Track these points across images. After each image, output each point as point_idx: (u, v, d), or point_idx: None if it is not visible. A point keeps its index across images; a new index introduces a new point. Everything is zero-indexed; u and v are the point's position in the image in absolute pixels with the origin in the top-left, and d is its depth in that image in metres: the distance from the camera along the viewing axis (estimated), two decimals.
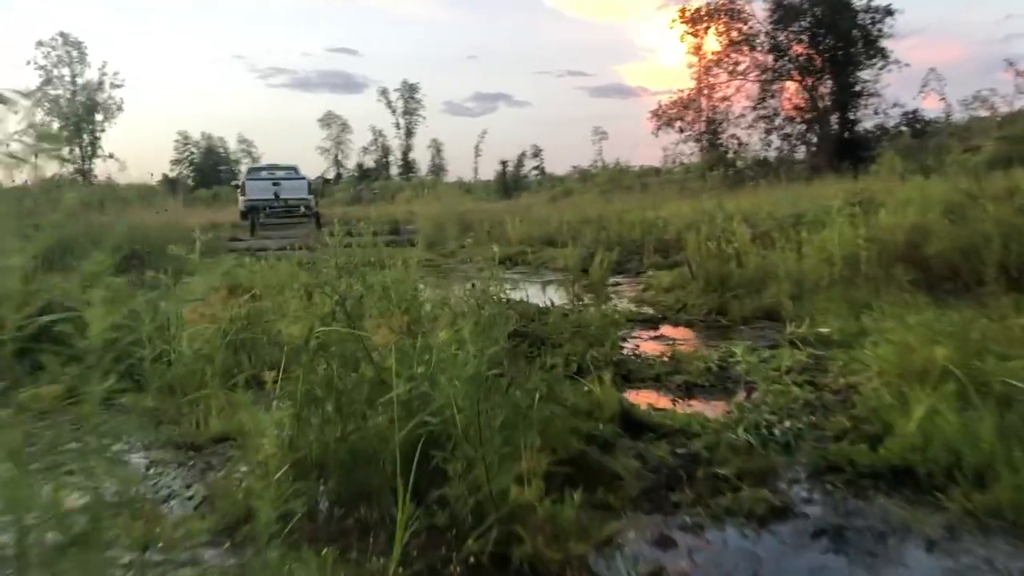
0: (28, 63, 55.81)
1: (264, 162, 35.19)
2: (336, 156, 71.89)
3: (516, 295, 6.29)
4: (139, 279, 5.86)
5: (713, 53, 34.99)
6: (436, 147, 70.67)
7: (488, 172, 54.73)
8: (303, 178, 24.69)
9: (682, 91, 36.51)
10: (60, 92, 56.45)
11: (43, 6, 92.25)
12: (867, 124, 31.77)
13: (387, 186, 51.79)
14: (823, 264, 6.92)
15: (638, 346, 5.41)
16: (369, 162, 69.63)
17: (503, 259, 12.89)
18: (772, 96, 33.56)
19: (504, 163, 47.11)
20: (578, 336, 4.98)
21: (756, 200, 14.44)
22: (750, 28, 33.54)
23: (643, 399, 4.07)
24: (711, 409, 3.91)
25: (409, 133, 70.19)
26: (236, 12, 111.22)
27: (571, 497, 2.28)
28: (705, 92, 36.01)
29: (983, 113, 34.50)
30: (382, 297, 4.20)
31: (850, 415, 3.45)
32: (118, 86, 57.45)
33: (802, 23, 31.86)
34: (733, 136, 34.97)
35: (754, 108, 33.78)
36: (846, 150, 28.68)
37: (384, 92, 69.67)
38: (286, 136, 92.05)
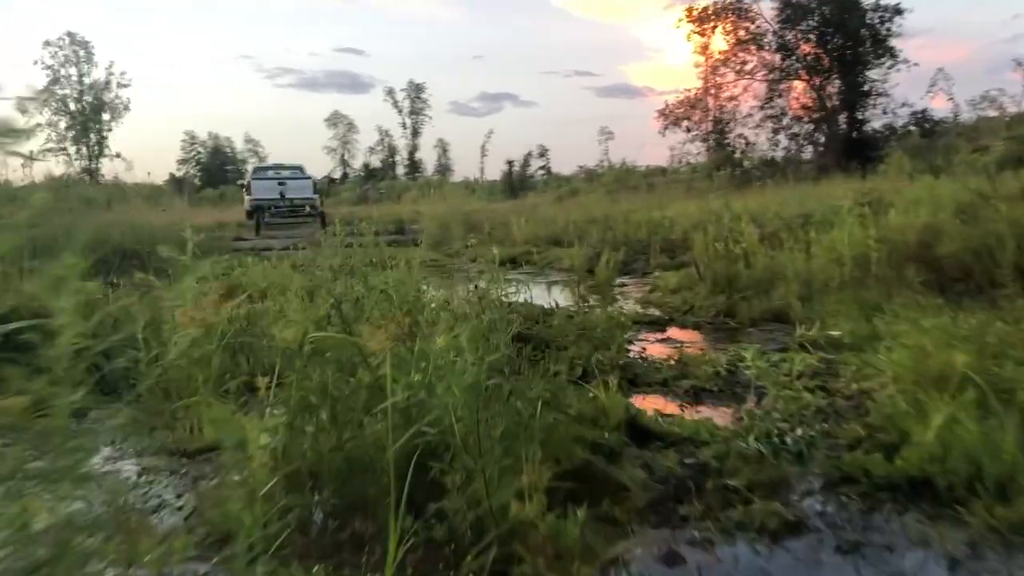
0: (35, 62, 55.87)
1: (270, 162, 35.18)
2: (342, 156, 71.91)
3: (521, 296, 6.19)
4: (129, 280, 5.80)
5: (720, 52, 34.90)
6: (442, 147, 70.70)
7: (494, 172, 54.59)
8: (308, 178, 24.66)
9: (689, 90, 36.43)
10: (67, 91, 56.48)
11: (46, 6, 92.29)
12: (875, 124, 31.63)
13: (393, 186, 51.75)
14: (833, 265, 6.80)
15: (645, 349, 5.30)
16: (375, 162, 69.63)
17: (509, 259, 12.79)
18: (780, 95, 33.46)
19: (510, 163, 47.04)
20: (583, 339, 4.87)
21: (763, 200, 14.33)
22: (757, 27, 33.44)
23: (650, 405, 3.95)
24: (720, 415, 3.80)
25: (415, 133, 70.20)
26: (243, 12, 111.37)
27: (575, 514, 2.16)
28: (712, 91, 35.91)
29: (991, 113, 34.35)
30: (384, 299, 4.12)
31: (864, 423, 3.33)
32: (125, 86, 57.56)
33: (810, 22, 31.73)
34: (740, 136, 34.90)
35: (761, 108, 33.70)
36: (854, 150, 28.52)
37: (390, 92, 69.71)
38: (293, 136, 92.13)
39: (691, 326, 6.44)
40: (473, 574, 2.12)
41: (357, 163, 70.87)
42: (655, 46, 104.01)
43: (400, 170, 68.92)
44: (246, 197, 24.29)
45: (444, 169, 68.98)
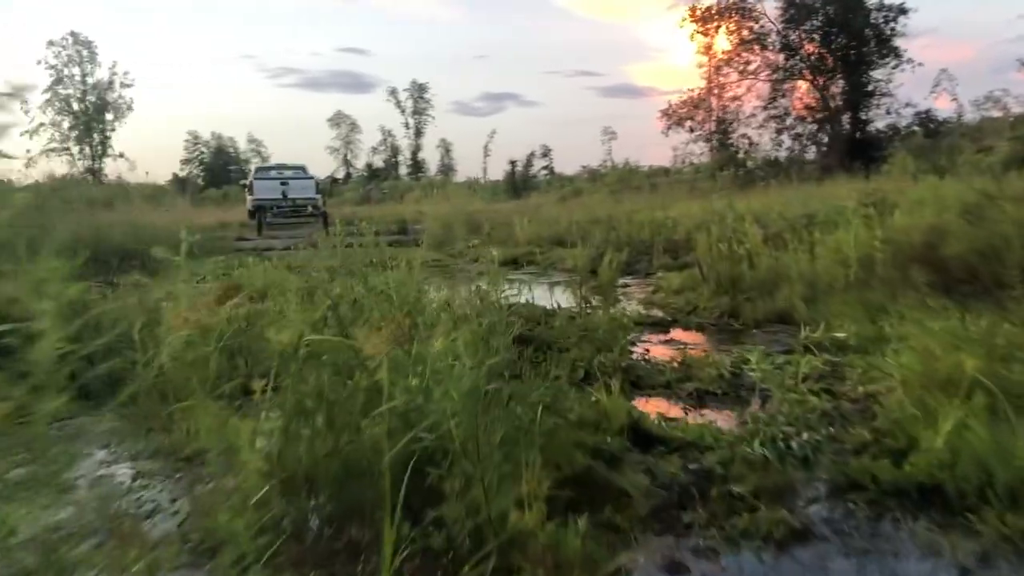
0: (39, 62, 55.83)
1: (273, 162, 35.15)
2: (345, 156, 71.78)
3: (523, 297, 6.13)
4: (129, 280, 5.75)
5: (723, 52, 34.77)
6: (445, 147, 70.55)
7: (497, 172, 54.49)
8: (311, 178, 24.60)
9: (692, 90, 36.32)
10: (70, 91, 56.46)
11: (47, 6, 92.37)
12: (879, 124, 31.52)
13: (396, 186, 51.71)
14: (837, 266, 6.74)
15: (648, 350, 5.24)
16: (378, 162, 69.50)
17: (511, 260, 12.76)
18: (783, 95, 33.35)
19: (513, 163, 46.95)
20: (586, 340, 4.82)
21: (767, 200, 14.24)
22: (761, 27, 33.32)
23: (653, 408, 3.90)
24: (724, 419, 3.74)
25: (418, 133, 70.07)
26: (245, 12, 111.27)
27: (575, 524, 2.11)
28: (715, 91, 35.80)
29: (995, 113, 34.24)
30: (384, 300, 4.07)
31: (871, 427, 3.28)
32: (128, 85, 57.45)
33: (814, 22, 31.62)
34: (743, 136, 34.78)
35: (765, 108, 33.59)
36: (858, 150, 28.43)
37: (393, 92, 69.56)
38: (296, 136, 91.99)
39: (694, 327, 6.38)
40: None
41: (360, 163, 70.83)
42: (658, 46, 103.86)
43: (403, 170, 68.86)
44: (248, 197, 24.23)
45: (447, 169, 68.91)
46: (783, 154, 33.12)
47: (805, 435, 3.17)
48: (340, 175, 67.11)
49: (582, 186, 36.80)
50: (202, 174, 65.21)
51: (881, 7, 30.58)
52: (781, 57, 32.99)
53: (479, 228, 16.38)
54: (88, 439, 3.72)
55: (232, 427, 2.98)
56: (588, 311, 5.56)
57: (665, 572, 2.26)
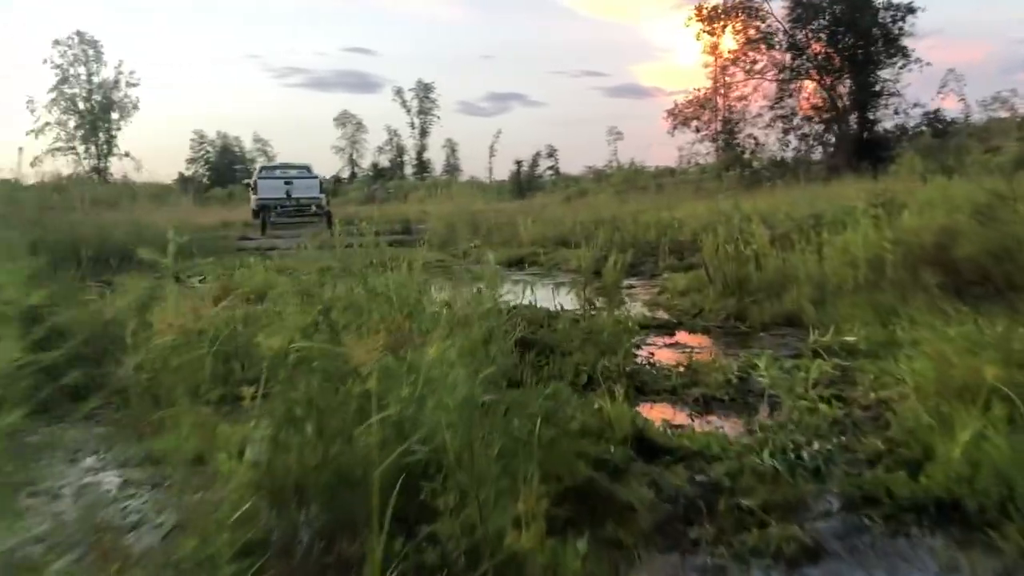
0: (44, 61, 55.87)
1: (279, 161, 35.11)
2: (351, 155, 71.75)
3: (525, 299, 6.03)
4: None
5: (730, 52, 34.66)
6: (451, 147, 70.49)
7: (503, 172, 54.50)
8: (315, 177, 24.52)
9: (698, 90, 36.20)
10: (76, 91, 56.50)
11: (48, 6, 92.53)
12: (887, 124, 31.34)
13: (401, 185, 51.65)
14: (846, 267, 6.61)
15: (653, 354, 5.13)
16: (384, 161, 69.47)
17: (516, 260, 12.66)
18: (790, 95, 33.23)
19: (518, 163, 46.92)
20: (589, 344, 4.70)
21: (773, 201, 14.13)
22: (768, 26, 33.20)
23: (658, 414, 3.79)
24: (731, 426, 3.63)
25: (424, 133, 70.01)
26: (251, 12, 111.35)
27: (575, 544, 2.00)
28: (721, 91, 35.69)
29: (1002, 114, 34.06)
30: (384, 301, 3.96)
31: (884, 436, 3.16)
32: (134, 85, 57.51)
33: (821, 21, 31.47)
34: (750, 136, 34.65)
35: (771, 107, 33.49)
36: (865, 150, 28.26)
37: (399, 92, 69.54)
38: (301, 135, 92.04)
39: (700, 330, 6.26)
40: None
41: (366, 163, 70.80)
42: (664, 46, 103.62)
43: (408, 170, 68.80)
44: (252, 196, 24.17)
45: (452, 169, 68.84)
46: (789, 154, 32.97)
47: (816, 445, 3.06)
48: (345, 175, 67.09)
49: (587, 186, 36.70)
50: (207, 173, 65.22)
51: (889, 6, 30.44)
52: (788, 57, 32.86)
53: (483, 228, 16.27)
54: (77, 445, 3.63)
55: (220, 435, 2.89)
56: (592, 313, 5.44)
57: None
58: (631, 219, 14.37)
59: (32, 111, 54.93)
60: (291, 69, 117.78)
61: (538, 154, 55.14)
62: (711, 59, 36.04)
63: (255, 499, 2.47)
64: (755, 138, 34.54)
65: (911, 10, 30.09)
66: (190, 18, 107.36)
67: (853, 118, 31.88)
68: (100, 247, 11.07)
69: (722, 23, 34.58)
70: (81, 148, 56.15)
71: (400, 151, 70.08)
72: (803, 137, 33.21)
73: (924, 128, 29.64)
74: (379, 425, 2.17)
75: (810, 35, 31.93)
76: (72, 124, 56.12)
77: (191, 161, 67.73)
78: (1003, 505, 2.41)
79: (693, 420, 3.78)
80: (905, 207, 7.88)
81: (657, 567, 2.27)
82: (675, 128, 36.20)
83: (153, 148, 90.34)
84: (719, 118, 35.88)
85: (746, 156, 33.97)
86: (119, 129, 57.31)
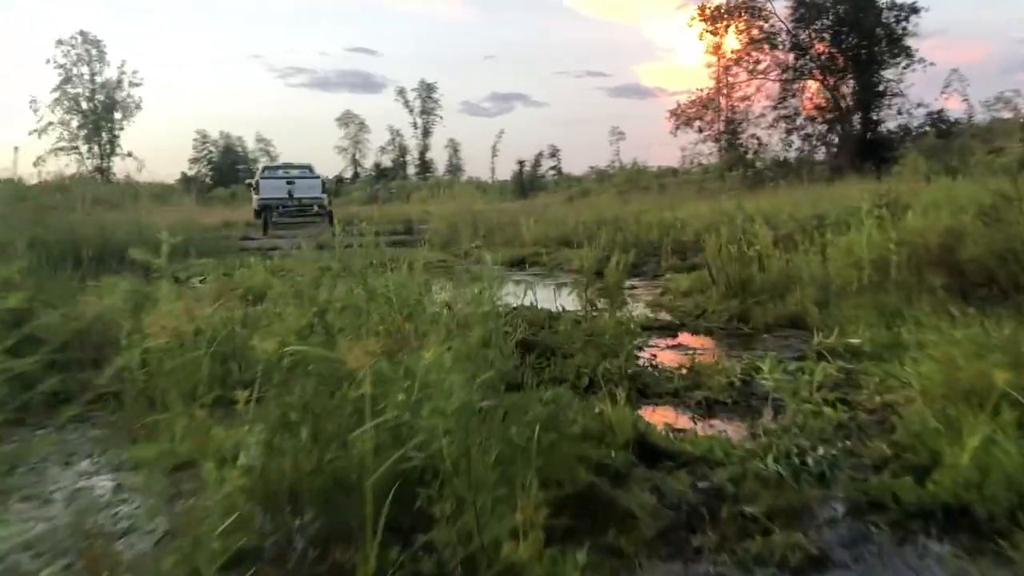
0: (48, 61, 55.90)
1: (281, 161, 35.10)
2: (354, 155, 71.71)
3: (526, 300, 5.98)
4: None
5: (733, 52, 34.56)
6: (453, 147, 70.46)
7: (505, 172, 54.41)
8: (317, 177, 24.49)
9: (701, 90, 36.11)
10: (79, 90, 56.51)
11: (50, 5, 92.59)
12: (890, 124, 31.23)
13: (404, 186, 51.62)
14: (850, 268, 6.56)
15: (655, 356, 5.07)
16: (386, 161, 69.44)
17: (518, 260, 12.60)
18: (793, 95, 33.14)
19: (521, 163, 46.87)
20: (591, 345, 4.65)
21: (776, 201, 14.08)
22: (771, 26, 33.13)
23: (660, 418, 3.73)
24: (735, 430, 3.57)
25: (426, 133, 69.97)
26: (254, 12, 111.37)
27: (574, 556, 1.94)
28: (724, 91, 35.60)
29: (1006, 115, 33.96)
30: (384, 303, 3.91)
31: (890, 441, 3.10)
32: (137, 84, 57.49)
33: (824, 21, 31.38)
34: (753, 136, 34.55)
35: (774, 108, 33.39)
36: (868, 150, 28.17)
37: (402, 92, 69.49)
38: (304, 135, 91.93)
39: (703, 331, 6.20)
40: None
41: (368, 163, 70.77)
42: (666, 46, 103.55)
43: (411, 170, 68.78)
44: (254, 196, 24.15)
45: (455, 169, 68.82)
46: (792, 155, 32.88)
47: (821, 449, 3.01)
48: (348, 175, 67.08)
49: (590, 186, 36.65)
50: (210, 173, 65.22)
51: (892, 6, 30.33)
52: (791, 56, 32.77)
53: (487, 228, 16.23)
54: (72, 447, 3.58)
55: (213, 439, 2.84)
56: (594, 315, 5.38)
57: None
58: (633, 219, 14.32)
59: (35, 111, 54.96)
60: (294, 69, 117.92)
61: (540, 154, 55.13)
62: (714, 59, 36.00)
63: (248, 505, 2.43)
64: (758, 138, 34.48)
65: (915, 10, 30.01)
66: (193, 18, 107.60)
67: (856, 118, 31.79)
68: (101, 247, 11.02)
69: (725, 23, 34.50)
70: (84, 148, 56.20)
71: (403, 151, 70.09)
72: (806, 137, 33.13)
73: (928, 128, 29.52)
74: (374, 431, 2.12)
75: (813, 35, 31.85)
76: (75, 124, 56.18)
77: (194, 161, 67.79)
78: (1013, 513, 2.36)
79: (696, 424, 3.73)
80: (909, 208, 7.82)
81: None
82: (678, 128, 36.13)
83: (156, 148, 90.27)
84: (722, 118, 35.81)
85: (749, 156, 33.88)
86: (122, 129, 57.38)
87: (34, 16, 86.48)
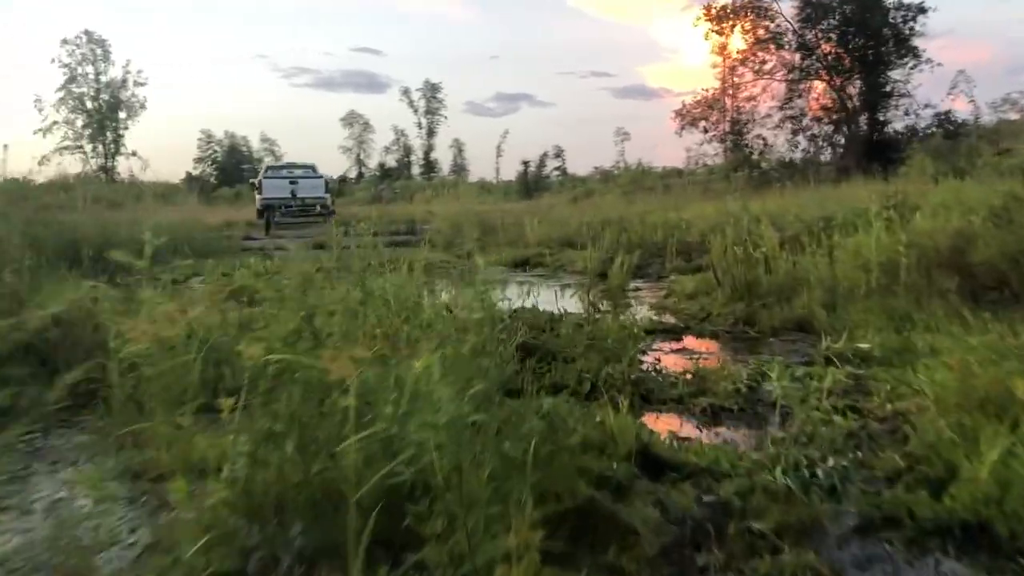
0: (52, 60, 55.87)
1: (285, 161, 35.06)
2: (358, 155, 71.55)
3: (528, 301, 5.87)
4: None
5: (738, 52, 34.34)
6: (458, 147, 70.30)
7: (510, 172, 54.26)
8: (320, 176, 24.43)
9: (706, 90, 35.92)
10: (84, 90, 56.48)
11: (50, 5, 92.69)
12: (897, 125, 31.00)
13: (408, 186, 51.50)
14: (858, 271, 6.43)
15: (659, 360, 4.94)
16: (391, 162, 69.27)
17: (520, 261, 12.51)
18: (799, 96, 32.87)
19: (526, 163, 46.73)
20: (593, 350, 4.54)
21: (782, 202, 13.95)
22: (777, 26, 32.85)
23: (664, 426, 3.62)
24: (741, 438, 3.46)
25: (431, 133, 69.80)
26: (259, 12, 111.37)
27: None
28: (730, 92, 35.40)
29: (1012, 116, 33.73)
30: (382, 304, 3.80)
31: (903, 452, 2.98)
32: (142, 84, 57.38)
33: (831, 21, 31.14)
34: (758, 137, 34.32)
35: (780, 108, 33.11)
36: (875, 151, 27.95)
37: (406, 92, 69.31)
38: (309, 135, 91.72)
39: (708, 335, 6.08)
40: None
41: (373, 163, 70.64)
42: (672, 47, 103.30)
43: (415, 170, 68.64)
44: (257, 196, 24.10)
45: (459, 169, 68.65)
46: (798, 155, 32.67)
47: (831, 461, 2.89)
48: (353, 175, 66.99)
49: (594, 187, 36.51)
50: (215, 173, 65.17)
51: (900, 6, 30.07)
52: (797, 57, 32.52)
53: (489, 229, 16.13)
54: (57, 455, 3.48)
55: (196, 448, 2.73)
56: (596, 317, 5.27)
57: None
58: (638, 220, 14.19)
59: (40, 110, 54.93)
60: (299, 69, 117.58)
61: (545, 154, 54.86)
62: (719, 59, 35.75)
63: (232, 519, 2.32)
64: (764, 139, 34.22)
65: (922, 10, 29.74)
66: (198, 18, 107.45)
67: (863, 119, 31.56)
68: (101, 246, 10.94)
69: (731, 23, 34.29)
70: (88, 147, 56.14)
71: (407, 151, 69.91)
72: (812, 138, 32.89)
73: (935, 129, 29.30)
74: (363, 442, 2.01)
75: (820, 35, 31.62)
76: (80, 123, 56.12)
77: (198, 161, 67.67)
78: None
79: (701, 431, 3.62)
80: (918, 209, 7.70)
81: None
82: (683, 129, 35.92)
83: (161, 148, 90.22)
84: (727, 119, 35.59)
85: (755, 157, 33.65)
86: (126, 128, 57.27)
87: (34, 16, 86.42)
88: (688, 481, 2.77)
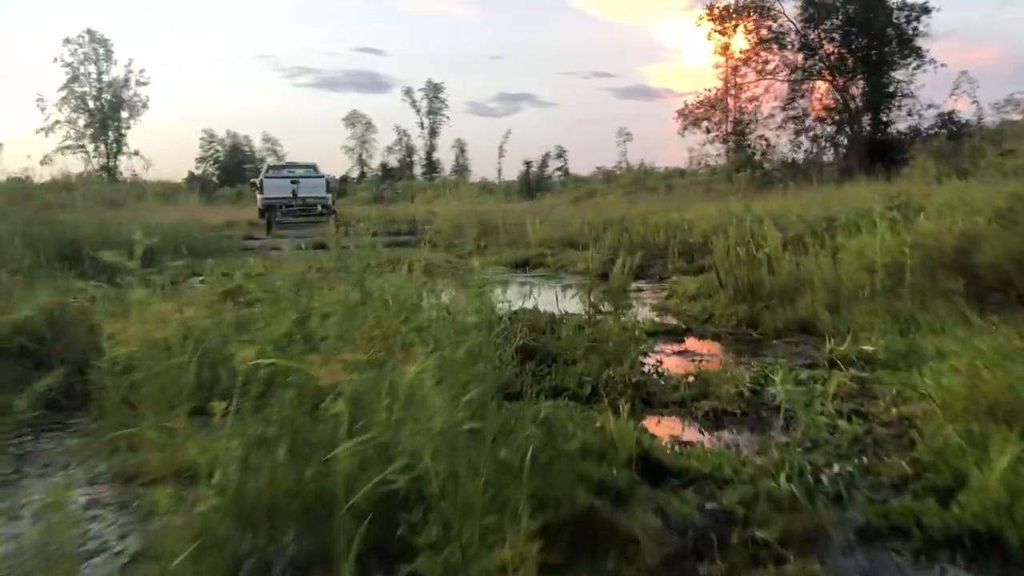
0: (55, 60, 55.84)
1: (287, 160, 35.03)
2: (360, 155, 71.53)
3: (529, 303, 5.81)
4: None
5: (741, 52, 34.23)
6: (460, 147, 70.21)
7: (512, 173, 54.20)
8: (321, 176, 24.39)
9: (709, 91, 35.82)
10: (86, 89, 56.45)
11: (51, 5, 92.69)
12: (900, 126, 30.87)
13: (410, 186, 51.42)
14: (862, 272, 6.37)
15: (661, 362, 4.85)
16: (393, 162, 69.21)
17: (522, 262, 12.45)
18: (802, 96, 32.75)
19: (528, 164, 46.65)
20: (594, 352, 4.48)
21: (785, 203, 13.86)
22: (780, 26, 32.72)
23: (666, 430, 3.56)
24: (744, 442, 3.40)
25: (433, 133, 69.72)
26: (261, 12, 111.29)
27: None
28: (732, 92, 35.31)
29: (1015, 117, 33.62)
30: (380, 306, 3.74)
31: (910, 458, 2.92)
32: (144, 84, 57.33)
33: (834, 21, 31.01)
34: (761, 137, 34.22)
35: (783, 108, 32.99)
36: (878, 152, 27.83)
37: (409, 92, 69.24)
38: (311, 135, 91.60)
39: (711, 337, 6.02)
40: None
41: (375, 163, 70.59)
42: (674, 47, 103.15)
43: (418, 170, 68.58)
44: (258, 196, 24.07)
45: (461, 169, 68.57)
46: (801, 156, 32.55)
47: (836, 467, 2.82)
48: (355, 175, 66.94)
49: (596, 187, 36.42)
50: (217, 172, 65.17)
51: (903, 6, 29.94)
52: (800, 57, 32.39)
53: (490, 229, 16.08)
54: (49, 458, 3.42)
55: (187, 453, 2.68)
56: (598, 319, 5.20)
57: None
58: (640, 220, 14.12)
59: (42, 109, 54.91)
60: (301, 69, 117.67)
61: (547, 155, 54.71)
62: (722, 59, 35.64)
63: (224, 526, 2.27)
64: (766, 139, 34.11)
65: (926, 10, 29.60)
66: (201, 18, 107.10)
67: (866, 119, 31.45)
68: (102, 246, 10.89)
69: (733, 23, 34.16)
70: (91, 147, 56.12)
71: (409, 151, 69.86)
72: (815, 139, 32.75)
73: (939, 130, 29.17)
74: (355, 449, 1.96)
75: (823, 35, 31.50)
76: (82, 122, 56.08)
77: (201, 160, 67.67)
78: None
79: (703, 435, 3.56)
80: (922, 210, 7.63)
81: None
82: (685, 129, 35.81)
83: (163, 147, 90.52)
84: (730, 119, 35.49)
85: (757, 158, 33.54)
86: (128, 128, 57.22)
87: (33, 16, 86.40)
88: (690, 488, 2.71)
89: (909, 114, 30.62)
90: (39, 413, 4.06)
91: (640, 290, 8.70)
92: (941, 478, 2.66)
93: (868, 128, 31.20)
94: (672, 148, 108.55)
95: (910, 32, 29.95)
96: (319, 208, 22.60)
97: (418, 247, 8.79)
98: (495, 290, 3.68)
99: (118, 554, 2.43)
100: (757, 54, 33.42)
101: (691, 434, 3.56)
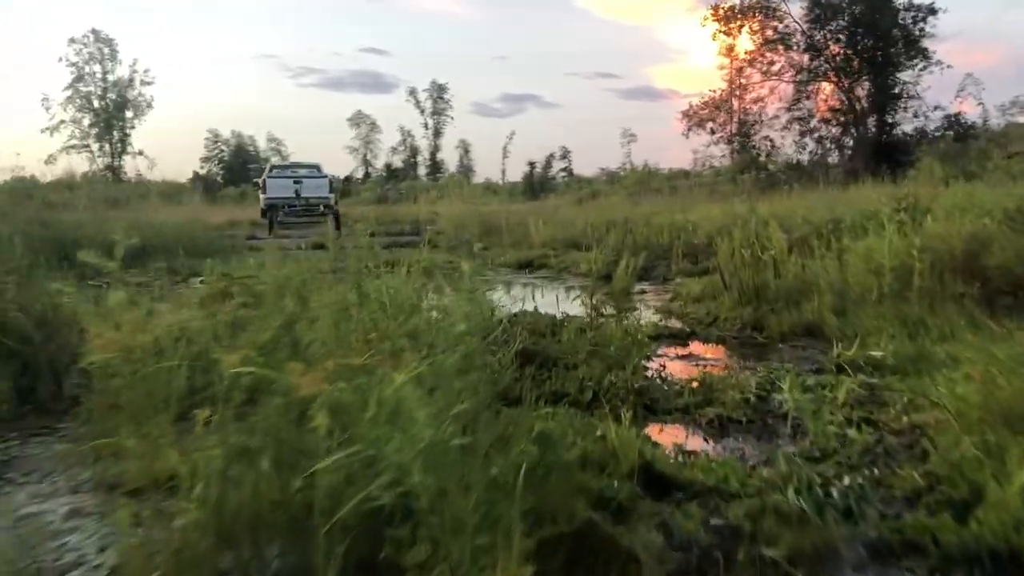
0: (60, 59, 55.90)
1: (292, 160, 34.96)
2: (364, 156, 71.45)
3: (530, 304, 5.71)
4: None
5: (746, 53, 34.12)
6: (464, 147, 70.09)
7: (516, 173, 54.11)
8: (324, 176, 24.28)
9: (713, 92, 35.71)
10: (91, 89, 56.49)
11: (51, 5, 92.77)
12: (906, 127, 30.71)
13: (414, 186, 51.35)
14: (869, 275, 6.25)
15: (664, 366, 4.75)
16: (397, 162, 69.16)
17: (525, 262, 12.36)
18: (807, 97, 32.62)
19: (532, 164, 46.58)
20: (596, 356, 4.36)
21: (790, 204, 13.74)
22: (785, 27, 32.58)
23: (669, 437, 3.45)
24: (750, 452, 3.29)
25: (437, 133, 69.60)
26: (265, 12, 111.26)
27: None
28: (737, 93, 35.21)
29: (1021, 119, 33.43)
30: (378, 308, 3.64)
31: (924, 470, 2.80)
32: (148, 83, 57.37)
33: (840, 22, 30.86)
34: (766, 138, 34.11)
35: (788, 110, 32.88)
36: (883, 154, 27.68)
37: (413, 92, 69.15)
38: (315, 135, 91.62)
39: (715, 340, 5.91)
40: None
41: (379, 163, 70.53)
42: (678, 48, 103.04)
43: (422, 170, 68.51)
44: (261, 196, 23.98)
45: (466, 170, 68.44)
46: (806, 157, 32.41)
47: (847, 479, 2.71)
48: (359, 175, 66.89)
49: (600, 188, 36.30)
50: (221, 172, 65.16)
51: (909, 7, 29.79)
52: (805, 58, 32.25)
53: (494, 229, 15.99)
54: (33, 464, 3.32)
55: (168, 462, 2.57)
56: (600, 322, 5.09)
57: None
58: (644, 222, 14.01)
59: (47, 109, 54.96)
60: (306, 69, 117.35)
61: (551, 155, 54.70)
62: (727, 60, 35.56)
63: (204, 541, 2.16)
64: (771, 140, 34.00)
65: (932, 11, 29.43)
66: (205, 18, 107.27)
67: (871, 121, 31.30)
68: (102, 246, 10.81)
69: (739, 23, 34.04)
70: (95, 146, 56.16)
71: (414, 152, 69.76)
72: (820, 140, 32.61)
73: (945, 132, 29.03)
74: (339, 462, 1.85)
75: (828, 36, 31.34)
76: (87, 122, 56.11)
77: (205, 160, 67.67)
78: None
79: (708, 443, 3.45)
80: (929, 212, 7.51)
81: None
82: (690, 130, 35.75)
83: (168, 147, 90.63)
84: (734, 120, 35.40)
85: (762, 159, 33.44)
86: (133, 127, 57.28)
87: (34, 16, 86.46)
88: (694, 501, 2.59)
89: (915, 116, 30.49)
90: (27, 418, 4.00)
91: (643, 292, 8.59)
92: (957, 491, 2.55)
93: (874, 130, 31.05)
94: (676, 149, 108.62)
95: (916, 33, 29.79)
96: (322, 208, 22.49)
97: (419, 247, 8.71)
98: (493, 292, 3.56)
99: (96, 568, 2.32)
100: (762, 55, 33.32)
101: (695, 443, 3.44)
